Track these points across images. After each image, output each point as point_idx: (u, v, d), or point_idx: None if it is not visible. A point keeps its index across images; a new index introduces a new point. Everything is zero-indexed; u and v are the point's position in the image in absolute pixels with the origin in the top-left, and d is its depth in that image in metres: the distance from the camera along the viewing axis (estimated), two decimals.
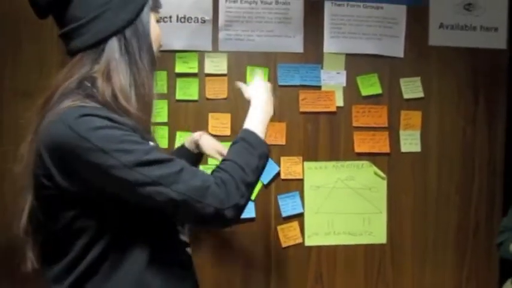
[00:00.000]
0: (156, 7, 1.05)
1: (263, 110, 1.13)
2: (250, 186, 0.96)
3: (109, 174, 0.85)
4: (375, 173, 2.02)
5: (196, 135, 1.54)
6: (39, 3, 0.95)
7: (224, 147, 1.50)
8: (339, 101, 2.01)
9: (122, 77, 0.94)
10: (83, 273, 0.92)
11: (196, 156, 1.54)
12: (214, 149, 1.52)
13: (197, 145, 1.52)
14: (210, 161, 1.94)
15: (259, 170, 1.00)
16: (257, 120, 1.10)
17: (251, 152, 1.00)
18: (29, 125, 0.94)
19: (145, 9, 1.00)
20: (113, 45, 0.95)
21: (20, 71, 1.89)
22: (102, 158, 0.84)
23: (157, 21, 1.06)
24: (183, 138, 1.75)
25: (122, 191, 0.87)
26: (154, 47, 1.03)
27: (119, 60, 0.95)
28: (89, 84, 0.93)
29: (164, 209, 0.88)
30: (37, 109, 0.94)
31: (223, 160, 0.99)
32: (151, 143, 0.94)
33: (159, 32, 1.05)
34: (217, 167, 0.97)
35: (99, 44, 0.94)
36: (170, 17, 1.92)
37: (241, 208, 0.94)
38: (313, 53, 2.00)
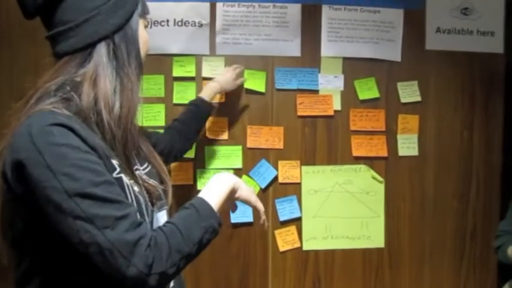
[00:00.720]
0: (144, 13, 1.04)
1: (221, 180, 1.04)
2: (185, 257, 0.89)
3: (46, 194, 0.82)
4: (373, 177, 2.02)
5: (216, 86, 1.81)
6: (26, 5, 0.94)
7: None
8: (337, 105, 2.01)
9: (108, 82, 0.93)
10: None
11: (210, 111, 1.77)
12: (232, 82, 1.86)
13: (214, 95, 1.80)
14: (207, 165, 1.94)
15: (202, 244, 0.92)
16: (213, 190, 1.01)
17: (197, 222, 0.92)
18: (9, 125, 0.92)
19: (135, 15, 1.00)
20: (101, 50, 0.94)
21: (16, 74, 1.88)
22: (47, 176, 0.81)
23: (145, 26, 1.06)
24: None
25: (53, 215, 0.83)
26: (142, 53, 1.03)
27: (107, 65, 0.94)
28: (69, 88, 0.92)
29: (85, 249, 0.82)
30: (17, 109, 0.93)
31: (167, 222, 0.93)
32: (115, 163, 0.91)
33: (147, 38, 1.05)
34: (159, 227, 0.90)
35: (87, 48, 0.93)
36: (167, 21, 1.92)
37: (168, 277, 0.86)
38: (310, 56, 2.00)
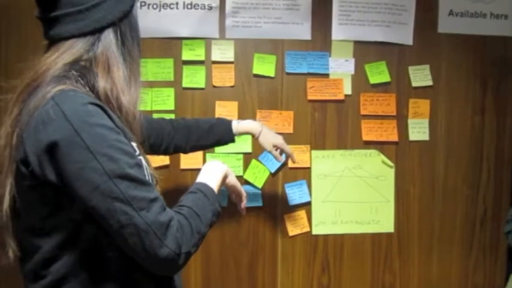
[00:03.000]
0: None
1: (216, 167, 1.12)
2: (202, 237, 0.93)
3: (85, 175, 0.80)
4: (383, 162, 2.01)
5: (256, 130, 1.61)
6: None
7: (281, 139, 1.67)
8: (347, 89, 1.99)
9: (120, 68, 0.94)
10: (57, 278, 0.88)
11: (230, 140, 1.60)
12: (272, 143, 1.64)
13: (244, 133, 1.62)
14: (217, 149, 1.93)
15: (211, 225, 0.98)
16: (211, 176, 1.08)
17: (208, 205, 0.98)
18: (12, 107, 0.89)
19: (136, 3, 1.00)
20: (109, 36, 0.94)
21: (24, 56, 1.86)
22: (86, 156, 0.80)
23: None
24: None
25: (90, 195, 0.81)
26: None
27: (116, 51, 0.94)
28: (75, 72, 0.90)
29: (121, 230, 0.82)
30: (22, 91, 0.90)
31: (180, 205, 0.95)
32: (135, 146, 0.92)
33: None
34: (176, 210, 0.92)
35: (94, 33, 0.92)
36: (177, 4, 1.90)
37: (190, 256, 0.90)
38: (321, 40, 1.97)
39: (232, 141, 1.60)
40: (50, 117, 0.81)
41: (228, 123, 1.58)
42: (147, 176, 0.91)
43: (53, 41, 0.93)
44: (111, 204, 0.81)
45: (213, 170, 1.10)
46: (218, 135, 1.57)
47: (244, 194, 1.25)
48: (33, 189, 0.86)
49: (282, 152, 1.68)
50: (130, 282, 0.92)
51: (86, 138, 0.80)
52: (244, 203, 1.26)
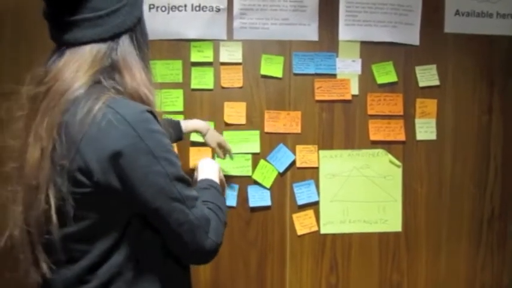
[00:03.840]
0: None
1: (212, 164, 1.23)
2: (225, 228, 1.03)
3: (151, 178, 0.86)
4: (390, 161, 2.02)
5: (203, 128, 1.74)
6: None
7: (223, 138, 1.82)
8: (354, 89, 2.00)
9: (142, 72, 0.95)
10: (104, 281, 0.89)
11: (180, 139, 1.69)
12: (216, 141, 1.78)
13: (193, 132, 1.76)
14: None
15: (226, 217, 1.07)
16: (211, 172, 1.18)
17: (222, 199, 1.09)
18: (43, 116, 0.86)
19: (144, 7, 1.02)
20: (126, 41, 0.94)
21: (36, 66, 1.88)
22: (150, 161, 0.85)
23: None
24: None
25: (154, 198, 0.87)
26: None
27: (135, 56, 0.95)
28: (108, 80, 0.90)
29: (178, 227, 0.89)
30: (52, 100, 0.86)
31: (205, 201, 1.01)
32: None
33: None
34: (204, 205, 1.00)
35: (113, 38, 0.92)
36: (185, 6, 1.92)
37: (221, 245, 0.98)
38: (328, 41, 1.99)
39: (181, 139, 1.70)
40: (112, 124, 0.83)
41: (177, 123, 1.67)
42: None
43: (67, 45, 0.91)
44: (171, 205, 0.88)
45: (210, 167, 1.21)
46: (169, 134, 1.62)
47: (226, 187, 1.36)
48: (89, 196, 0.85)
49: (224, 148, 1.82)
50: (165, 276, 0.97)
51: (149, 144, 0.85)
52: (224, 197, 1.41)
